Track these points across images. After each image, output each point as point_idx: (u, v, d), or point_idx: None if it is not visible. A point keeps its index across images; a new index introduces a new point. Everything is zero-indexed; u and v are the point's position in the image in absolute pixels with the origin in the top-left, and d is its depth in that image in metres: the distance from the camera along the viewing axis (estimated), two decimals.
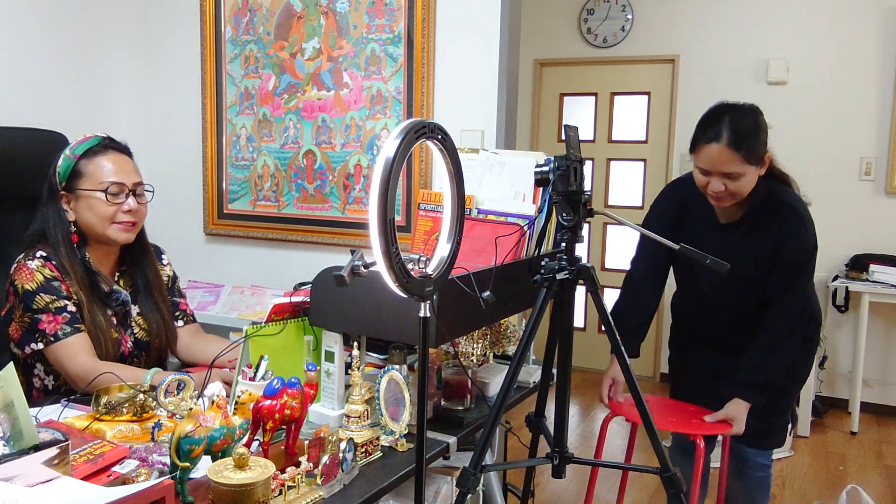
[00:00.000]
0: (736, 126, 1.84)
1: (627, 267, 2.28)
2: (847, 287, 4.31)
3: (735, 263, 1.92)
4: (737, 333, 2.10)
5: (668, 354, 2.44)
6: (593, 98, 5.26)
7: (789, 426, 3.48)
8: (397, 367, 1.52)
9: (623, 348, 1.63)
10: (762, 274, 2.01)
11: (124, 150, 1.86)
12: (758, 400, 2.00)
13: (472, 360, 1.82)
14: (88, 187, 1.77)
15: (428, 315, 1.21)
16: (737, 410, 1.99)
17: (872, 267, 4.23)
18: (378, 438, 1.46)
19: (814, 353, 2.22)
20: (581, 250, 1.59)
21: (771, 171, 2.00)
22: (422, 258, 1.22)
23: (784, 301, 1.99)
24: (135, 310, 1.89)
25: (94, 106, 3.08)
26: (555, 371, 1.73)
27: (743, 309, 2.09)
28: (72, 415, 1.50)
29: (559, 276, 1.53)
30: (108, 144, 1.83)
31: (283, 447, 1.36)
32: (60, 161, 1.80)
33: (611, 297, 5.79)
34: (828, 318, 4.50)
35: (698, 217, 2.07)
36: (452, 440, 1.57)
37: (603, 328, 2.34)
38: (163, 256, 2.04)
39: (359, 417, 1.44)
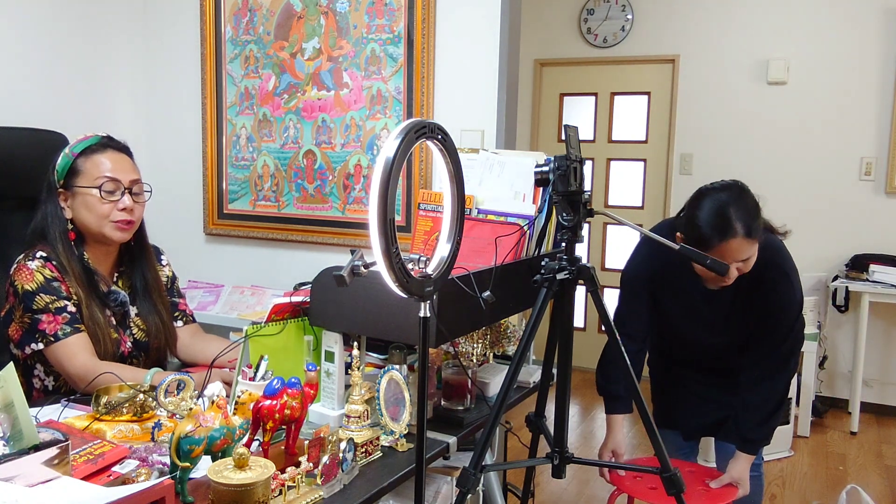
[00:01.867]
0: (743, 215, 1.81)
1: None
2: (847, 287, 4.31)
3: (722, 321, 2.02)
4: (726, 363, 2.12)
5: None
6: (593, 98, 5.26)
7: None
8: (397, 367, 1.52)
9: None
10: (747, 329, 2.02)
11: (123, 148, 1.86)
12: (760, 449, 2.03)
13: (472, 360, 1.82)
14: (84, 184, 1.77)
15: (428, 315, 1.21)
16: (743, 470, 1.99)
17: (872, 267, 4.23)
18: (378, 438, 1.46)
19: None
20: (581, 250, 1.59)
21: None
22: (422, 258, 1.22)
23: (779, 353, 1.98)
24: (133, 311, 1.89)
25: (94, 106, 3.07)
26: (555, 371, 1.73)
27: (731, 355, 2.10)
28: (72, 415, 1.50)
29: (559, 276, 1.53)
30: (107, 143, 1.83)
31: (283, 447, 1.36)
32: (59, 159, 1.80)
33: (611, 297, 5.76)
34: (828, 318, 4.50)
35: (677, 280, 2.01)
36: (452, 440, 1.57)
37: (603, 328, 2.32)
38: (161, 257, 2.04)
39: (359, 417, 1.44)
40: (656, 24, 4.98)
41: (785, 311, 1.97)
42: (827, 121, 4.53)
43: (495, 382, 1.83)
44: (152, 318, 1.90)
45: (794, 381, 3.85)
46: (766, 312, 1.96)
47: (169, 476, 1.14)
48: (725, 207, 1.82)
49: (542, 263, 1.56)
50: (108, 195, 1.77)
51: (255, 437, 1.30)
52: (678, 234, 1.91)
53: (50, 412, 1.52)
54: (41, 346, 1.71)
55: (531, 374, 2.03)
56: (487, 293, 1.50)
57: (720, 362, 2.14)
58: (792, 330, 1.99)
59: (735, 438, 2.03)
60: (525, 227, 1.81)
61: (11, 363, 1.27)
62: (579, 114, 5.29)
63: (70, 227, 1.79)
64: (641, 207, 5.13)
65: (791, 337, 1.99)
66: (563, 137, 1.57)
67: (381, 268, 1.13)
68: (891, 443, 4.09)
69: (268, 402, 1.28)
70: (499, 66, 2.61)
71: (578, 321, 5.33)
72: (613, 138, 5.23)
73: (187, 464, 1.16)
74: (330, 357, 1.56)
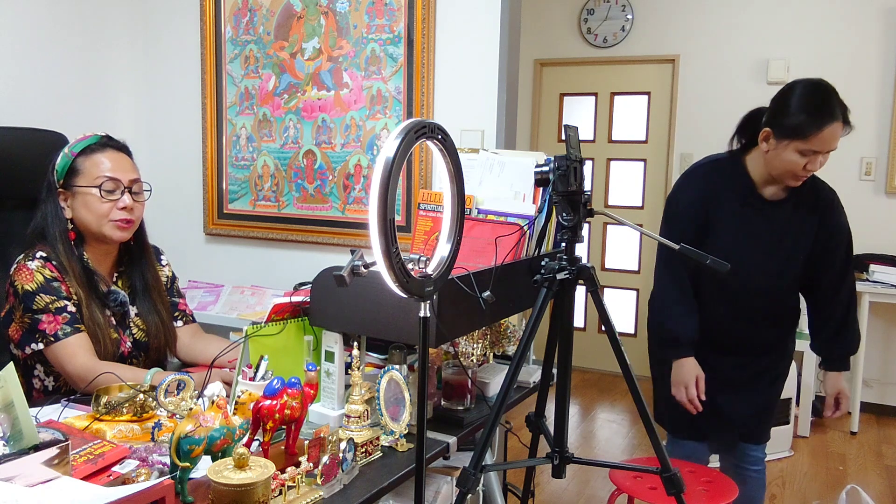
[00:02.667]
0: (839, 100, 1.89)
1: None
2: None
3: (777, 240, 2.06)
4: (764, 328, 2.14)
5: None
6: (593, 98, 5.26)
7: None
8: (397, 367, 1.52)
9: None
10: (801, 254, 2.06)
11: (122, 148, 1.86)
12: (847, 367, 2.13)
13: (472, 360, 1.82)
14: (84, 184, 1.77)
15: (428, 315, 1.21)
16: (842, 385, 2.12)
17: (872, 267, 4.23)
18: (378, 438, 1.46)
19: None
20: (581, 250, 1.59)
21: None
22: (422, 258, 1.22)
23: (843, 283, 2.09)
24: (133, 311, 1.89)
25: (94, 106, 3.08)
26: (555, 371, 1.73)
27: (777, 295, 2.12)
28: (72, 415, 1.50)
29: (559, 276, 1.53)
30: (107, 143, 1.83)
31: (283, 447, 1.36)
32: (59, 159, 1.80)
33: (611, 298, 5.71)
34: None
35: (733, 197, 2.07)
36: (452, 440, 1.57)
37: (603, 328, 2.32)
38: (161, 257, 2.04)
39: (359, 417, 1.44)
40: (656, 24, 4.98)
41: (843, 231, 2.08)
42: None
43: (495, 382, 1.83)
44: (152, 317, 1.90)
45: (794, 381, 3.85)
46: (827, 234, 2.06)
47: (169, 476, 1.14)
48: (825, 93, 1.89)
49: (542, 263, 1.56)
50: (107, 194, 1.77)
51: (255, 437, 1.30)
52: (764, 129, 1.97)
53: (50, 412, 1.52)
54: (41, 346, 1.71)
55: (531, 374, 2.02)
56: (487, 293, 1.50)
57: (761, 328, 2.14)
58: (851, 250, 2.11)
59: (827, 362, 2.15)
60: (525, 227, 1.81)
61: (11, 363, 1.27)
62: (579, 114, 5.29)
63: (70, 226, 1.79)
64: (641, 207, 5.14)
65: (851, 254, 2.11)
66: (563, 137, 1.57)
67: (381, 268, 1.13)
68: (891, 443, 4.09)
69: (268, 402, 1.28)
70: (499, 66, 2.61)
71: (578, 321, 5.33)
72: (613, 138, 5.23)
73: (187, 464, 1.16)
74: (330, 357, 1.56)
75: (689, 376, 2.09)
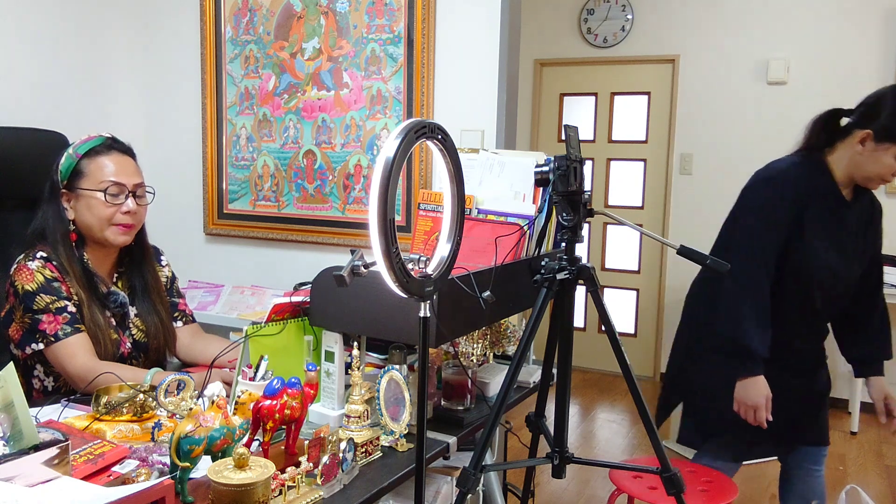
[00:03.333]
0: None
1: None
2: None
3: (854, 243, 2.06)
4: (823, 339, 2.18)
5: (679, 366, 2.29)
6: (593, 98, 5.26)
7: None
8: (397, 367, 1.52)
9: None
10: (866, 257, 2.10)
11: (127, 150, 1.85)
12: (883, 372, 2.15)
13: (472, 360, 1.82)
14: (89, 187, 1.77)
15: (428, 315, 1.21)
16: (887, 390, 2.12)
17: None
18: (378, 438, 1.46)
19: None
20: (581, 250, 1.58)
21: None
22: (422, 258, 1.22)
23: (881, 288, 2.14)
24: (133, 311, 1.89)
25: (94, 106, 3.08)
26: (555, 371, 1.73)
27: (847, 299, 2.11)
28: (72, 415, 1.50)
29: (559, 276, 1.53)
30: (112, 145, 1.82)
31: (283, 447, 1.36)
32: (63, 159, 1.80)
33: (611, 297, 5.70)
34: None
35: (822, 199, 2.02)
36: (452, 440, 1.57)
37: (603, 328, 2.30)
38: (161, 257, 2.04)
39: (359, 417, 1.44)
40: (656, 24, 4.98)
41: (882, 237, 2.15)
42: None
43: (495, 382, 1.83)
44: (151, 318, 1.89)
45: None
46: (876, 238, 2.12)
47: (169, 476, 1.14)
48: None
49: (542, 263, 1.56)
50: (112, 198, 1.77)
51: (255, 437, 1.30)
52: (864, 131, 1.97)
53: (50, 412, 1.52)
54: (41, 346, 1.71)
55: (531, 374, 2.02)
56: (487, 293, 1.50)
57: (817, 340, 2.18)
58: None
59: (868, 368, 2.16)
60: (525, 227, 1.81)
61: (11, 363, 1.27)
62: (579, 114, 5.29)
63: (72, 228, 1.79)
64: (641, 207, 5.13)
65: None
66: (563, 137, 1.57)
67: (381, 268, 1.13)
68: (891, 443, 4.09)
69: (268, 402, 1.28)
70: (499, 66, 2.61)
71: (578, 321, 5.34)
72: (613, 138, 5.23)
73: (187, 464, 1.16)
74: (330, 357, 1.56)
75: (758, 396, 1.98)
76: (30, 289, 1.71)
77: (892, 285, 4.12)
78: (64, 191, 1.79)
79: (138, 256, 1.91)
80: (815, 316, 2.11)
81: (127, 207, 1.78)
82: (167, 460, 1.19)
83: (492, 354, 2.02)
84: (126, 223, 1.79)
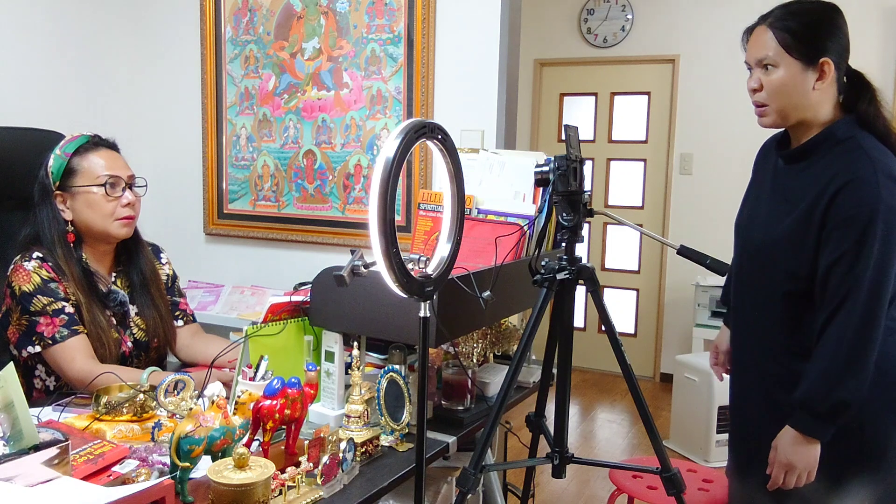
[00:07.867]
0: (792, 9, 1.52)
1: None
2: None
3: (783, 212, 1.54)
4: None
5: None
6: (593, 98, 5.26)
7: None
8: (397, 367, 1.52)
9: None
10: (796, 236, 1.51)
11: (113, 146, 1.87)
12: (811, 423, 1.48)
13: (472, 360, 1.82)
14: (85, 183, 1.77)
15: (428, 315, 1.21)
16: (784, 447, 1.51)
17: None
18: (378, 438, 1.46)
19: None
20: (581, 250, 1.58)
21: (864, 116, 1.55)
22: (422, 258, 1.22)
23: (843, 307, 1.42)
24: (133, 310, 1.89)
25: (94, 106, 3.07)
26: (555, 371, 1.73)
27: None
28: (72, 415, 1.50)
29: (559, 276, 1.53)
30: (98, 141, 1.84)
31: (283, 447, 1.36)
32: (52, 161, 1.79)
33: (611, 298, 5.70)
34: None
35: (769, 159, 1.68)
36: (452, 440, 1.57)
37: (603, 328, 2.30)
38: (161, 255, 2.04)
39: (359, 417, 1.44)
40: (656, 24, 4.98)
41: (849, 200, 1.47)
42: None
43: (495, 382, 1.83)
44: (150, 312, 1.89)
45: None
46: (826, 190, 1.49)
47: (169, 476, 1.14)
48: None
49: (542, 263, 1.56)
50: (112, 190, 1.78)
51: (255, 437, 1.30)
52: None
53: (50, 412, 1.52)
54: (39, 348, 1.70)
55: (531, 374, 2.02)
56: (487, 293, 1.50)
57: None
58: (863, 245, 1.46)
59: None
60: (525, 227, 1.81)
61: (11, 363, 1.27)
62: (579, 114, 5.29)
63: (69, 229, 1.79)
64: (641, 207, 5.13)
65: (860, 267, 1.47)
66: (563, 137, 1.57)
67: (381, 268, 1.13)
68: None
69: (268, 402, 1.28)
70: (499, 66, 2.61)
71: (578, 321, 5.34)
72: (613, 138, 5.23)
73: (187, 464, 1.16)
74: (330, 357, 1.56)
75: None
76: (27, 290, 1.70)
77: None
78: (57, 192, 1.78)
79: (134, 250, 1.91)
80: None
81: (126, 199, 1.79)
82: (167, 460, 1.19)
83: (492, 354, 2.02)
84: (127, 215, 1.80)
